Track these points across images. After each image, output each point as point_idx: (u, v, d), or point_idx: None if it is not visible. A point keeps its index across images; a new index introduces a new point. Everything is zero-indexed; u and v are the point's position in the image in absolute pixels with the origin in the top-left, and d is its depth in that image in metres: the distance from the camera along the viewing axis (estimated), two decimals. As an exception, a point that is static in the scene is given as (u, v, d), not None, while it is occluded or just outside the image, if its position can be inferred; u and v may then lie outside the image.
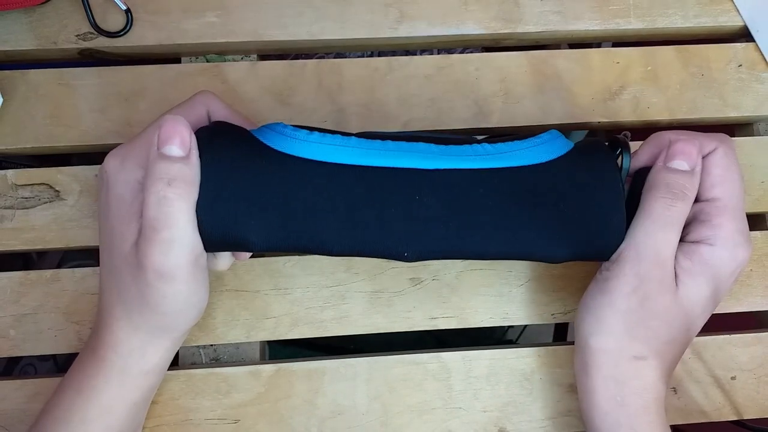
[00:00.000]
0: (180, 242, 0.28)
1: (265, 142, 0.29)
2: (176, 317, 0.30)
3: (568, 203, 0.30)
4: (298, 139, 0.29)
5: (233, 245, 0.29)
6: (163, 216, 0.27)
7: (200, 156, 0.29)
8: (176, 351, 0.33)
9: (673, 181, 0.30)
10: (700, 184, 0.31)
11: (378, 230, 0.29)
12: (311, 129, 0.30)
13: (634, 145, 0.33)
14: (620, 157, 0.31)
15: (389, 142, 0.30)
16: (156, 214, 0.27)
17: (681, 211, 0.30)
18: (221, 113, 0.32)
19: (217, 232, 0.28)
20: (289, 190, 0.28)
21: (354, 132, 0.31)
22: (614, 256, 0.31)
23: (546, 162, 0.30)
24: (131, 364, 0.30)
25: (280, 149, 0.29)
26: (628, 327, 0.30)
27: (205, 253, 0.30)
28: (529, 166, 0.30)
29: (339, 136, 0.30)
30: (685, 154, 0.30)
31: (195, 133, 0.29)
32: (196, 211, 0.28)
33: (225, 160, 0.29)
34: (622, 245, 0.31)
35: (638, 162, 0.33)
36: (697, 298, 0.31)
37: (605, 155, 0.31)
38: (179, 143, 0.28)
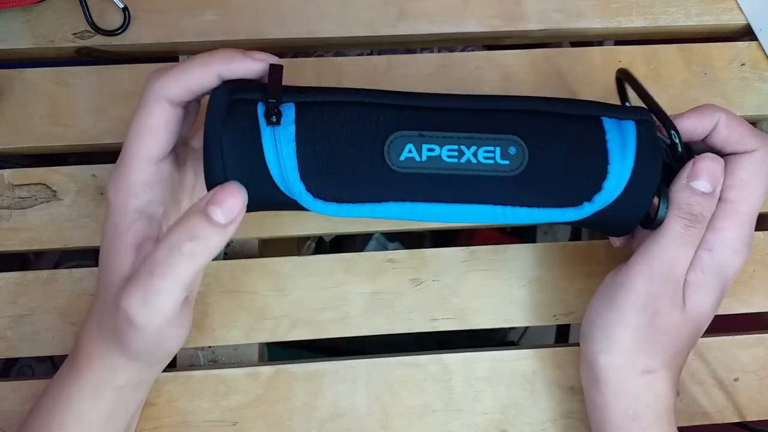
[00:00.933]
0: (165, 298, 0.26)
1: (283, 189, 0.28)
2: (142, 356, 0.30)
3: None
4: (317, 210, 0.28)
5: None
6: (165, 264, 0.26)
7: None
8: (154, 376, 0.33)
9: (694, 203, 0.29)
10: None
11: None
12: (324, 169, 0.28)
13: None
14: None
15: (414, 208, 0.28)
16: (161, 259, 0.26)
17: (699, 231, 0.30)
18: (177, 92, 0.28)
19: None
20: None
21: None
22: (625, 268, 0.31)
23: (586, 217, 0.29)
24: (104, 380, 0.30)
25: (298, 201, 0.28)
26: (638, 343, 0.30)
27: (188, 304, 0.29)
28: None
29: (356, 209, 0.28)
30: (709, 174, 0.29)
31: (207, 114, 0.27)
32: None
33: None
34: (633, 258, 0.30)
35: (680, 126, 0.31)
36: (705, 308, 0.30)
37: (650, 195, 0.30)
38: (225, 212, 0.26)
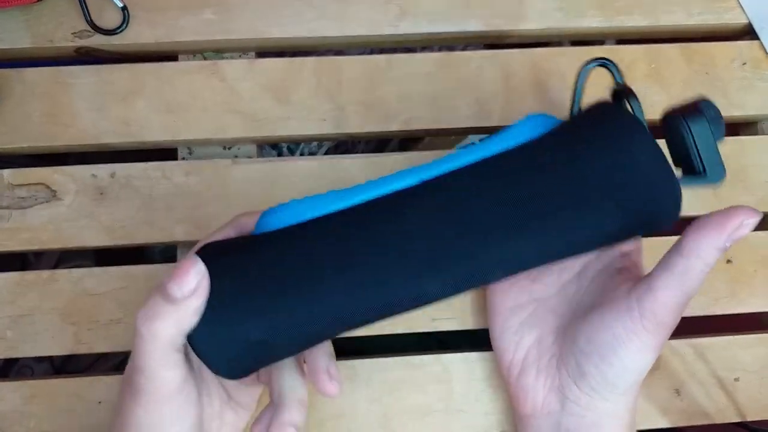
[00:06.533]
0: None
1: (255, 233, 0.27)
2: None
3: (586, 163, 0.26)
4: (273, 212, 0.27)
5: (250, 362, 0.27)
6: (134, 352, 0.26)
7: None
8: None
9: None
10: None
11: (378, 273, 0.26)
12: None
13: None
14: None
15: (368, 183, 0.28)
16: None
17: None
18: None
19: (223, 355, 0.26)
20: (260, 274, 0.26)
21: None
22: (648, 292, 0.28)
23: (545, 134, 0.27)
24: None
25: (258, 232, 0.27)
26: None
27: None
28: (525, 143, 0.27)
29: (316, 196, 0.27)
30: None
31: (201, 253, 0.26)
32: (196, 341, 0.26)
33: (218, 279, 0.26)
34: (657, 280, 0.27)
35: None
36: None
37: (609, 106, 0.28)
38: (177, 285, 0.25)
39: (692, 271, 0.26)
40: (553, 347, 0.32)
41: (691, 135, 0.27)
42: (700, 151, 0.27)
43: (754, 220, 0.26)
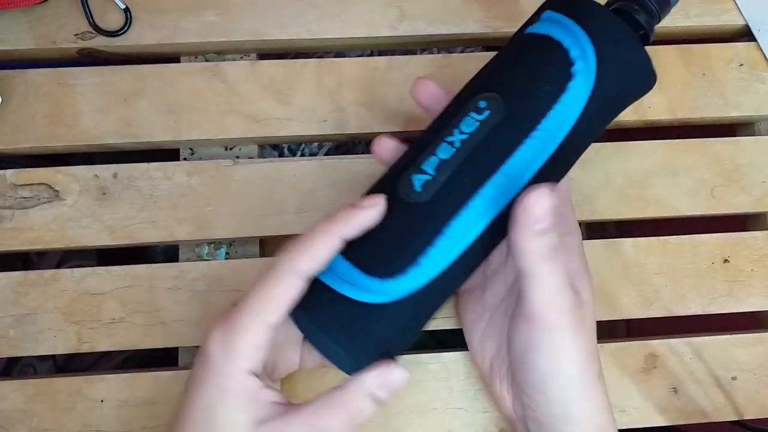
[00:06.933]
0: None
1: (349, 294, 0.27)
2: None
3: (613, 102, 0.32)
4: (376, 290, 0.27)
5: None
6: None
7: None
8: None
9: (548, 240, 0.28)
10: None
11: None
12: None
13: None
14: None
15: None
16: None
17: (558, 243, 0.29)
18: (308, 266, 0.27)
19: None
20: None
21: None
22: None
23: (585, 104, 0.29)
24: None
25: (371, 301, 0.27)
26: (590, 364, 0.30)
27: None
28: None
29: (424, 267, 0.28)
30: (547, 215, 0.28)
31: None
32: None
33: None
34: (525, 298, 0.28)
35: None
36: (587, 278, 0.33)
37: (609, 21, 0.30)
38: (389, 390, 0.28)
39: (533, 267, 0.27)
40: (507, 356, 0.32)
41: (659, 17, 0.32)
42: (653, 23, 0.32)
43: (545, 191, 0.26)
